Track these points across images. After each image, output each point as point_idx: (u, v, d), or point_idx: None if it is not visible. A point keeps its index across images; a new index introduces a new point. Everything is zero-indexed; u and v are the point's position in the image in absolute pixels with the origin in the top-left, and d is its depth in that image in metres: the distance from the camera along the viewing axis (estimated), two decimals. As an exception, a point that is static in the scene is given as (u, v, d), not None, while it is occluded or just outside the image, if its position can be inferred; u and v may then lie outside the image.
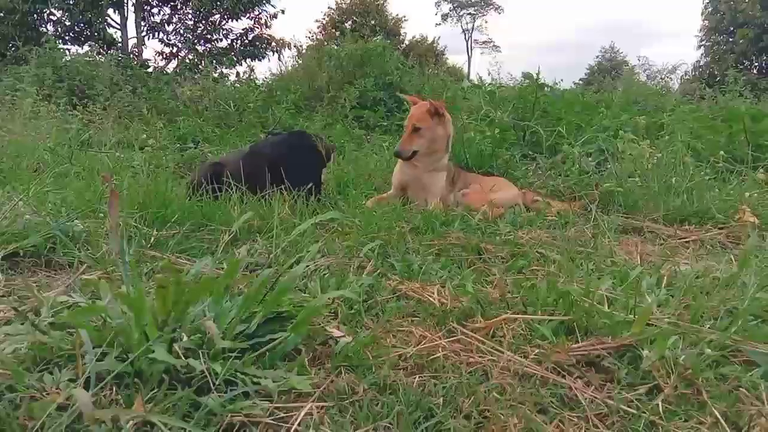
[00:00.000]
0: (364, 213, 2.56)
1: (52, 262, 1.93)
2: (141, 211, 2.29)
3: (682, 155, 3.53)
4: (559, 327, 1.46)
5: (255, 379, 1.15)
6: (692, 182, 3.24)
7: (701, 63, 31.86)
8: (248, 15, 19.18)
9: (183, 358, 1.14)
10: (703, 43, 32.37)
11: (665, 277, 1.91)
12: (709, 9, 32.40)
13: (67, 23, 18.30)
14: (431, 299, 1.67)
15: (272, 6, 19.38)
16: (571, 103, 6.25)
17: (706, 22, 32.42)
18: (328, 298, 1.52)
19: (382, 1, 34.67)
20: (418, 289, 1.75)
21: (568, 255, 2.14)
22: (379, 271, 1.96)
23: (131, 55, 18.37)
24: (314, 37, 33.35)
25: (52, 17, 18.51)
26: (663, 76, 21.07)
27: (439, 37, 36.82)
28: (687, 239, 2.68)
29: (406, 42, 35.22)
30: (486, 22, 56.38)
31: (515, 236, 2.40)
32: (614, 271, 1.99)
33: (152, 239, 2.11)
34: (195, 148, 5.46)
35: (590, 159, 3.97)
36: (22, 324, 1.29)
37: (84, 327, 1.14)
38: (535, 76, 5.82)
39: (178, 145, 5.56)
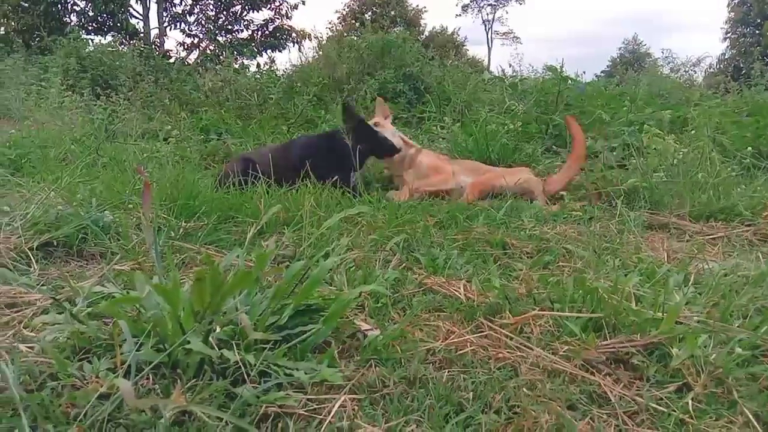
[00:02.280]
0: (388, 207, 2.57)
1: (84, 252, 1.96)
2: (170, 203, 2.32)
3: (708, 151, 3.48)
4: (587, 324, 1.46)
5: (287, 371, 1.17)
6: (719, 178, 3.19)
7: (726, 56, 31.29)
8: (269, 6, 19.24)
9: (217, 349, 1.16)
10: (729, 35, 31.80)
11: (693, 275, 1.90)
12: (736, 1, 31.80)
13: (90, 14, 18.49)
14: (457, 294, 1.68)
15: (293, -4, 19.42)
16: (594, 96, 6.20)
17: (732, 14, 31.81)
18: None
19: (402, -8, 34.55)
20: (443, 284, 1.76)
21: (594, 251, 2.13)
22: (404, 264, 1.98)
23: (153, 46, 18.52)
24: (334, 28, 33.33)
25: (75, 8, 18.74)
26: (687, 69, 20.66)
27: (459, 29, 36.67)
28: (714, 236, 2.65)
29: (426, 33, 35.06)
30: (507, 12, 56.03)
31: (540, 231, 2.39)
32: (641, 267, 1.98)
33: (181, 231, 2.14)
34: (218, 139, 5.50)
35: (614, 153, 3.95)
36: (60, 313, 1.32)
37: (122, 317, 1.16)
38: (558, 68, 5.79)
39: (202, 136, 5.60)
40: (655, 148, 3.72)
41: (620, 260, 2.08)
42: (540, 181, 3.40)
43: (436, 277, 1.84)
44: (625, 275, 1.86)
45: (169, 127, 5.04)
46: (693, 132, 3.75)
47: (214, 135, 5.78)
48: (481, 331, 1.43)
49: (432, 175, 3.45)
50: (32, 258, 1.76)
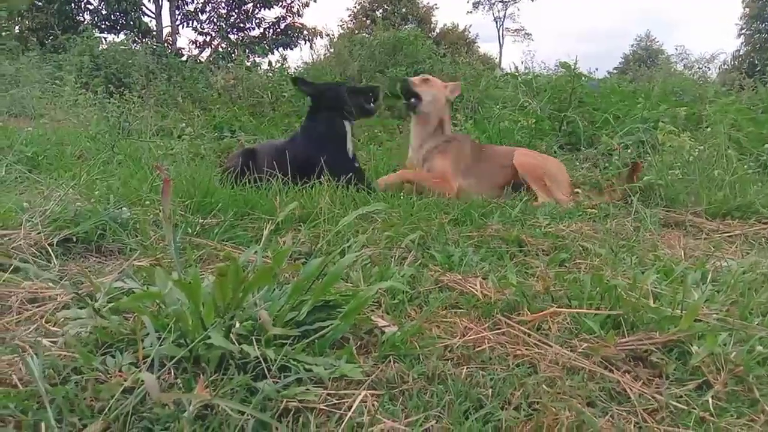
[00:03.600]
0: (402, 204, 2.57)
1: (102, 248, 1.98)
2: (186, 200, 2.33)
3: (724, 148, 3.46)
4: (606, 321, 1.45)
5: (307, 366, 1.18)
6: (735, 176, 3.17)
7: (741, 52, 30.99)
8: (280, 4, 19.28)
9: (237, 344, 1.17)
10: (744, 31, 31.47)
11: (710, 273, 1.89)
12: (752, -5, 31.49)
13: (104, 12, 18.61)
14: (474, 291, 1.67)
15: (304, -7, 19.45)
16: (608, 94, 6.17)
17: (747, 9, 31.49)
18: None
19: (413, -11, 34.46)
20: (460, 281, 1.76)
21: (610, 248, 2.13)
22: (420, 261, 1.98)
23: (165, 44, 18.62)
24: (345, 26, 33.34)
25: (89, 6, 18.87)
26: (701, 66, 20.56)
27: (470, 26, 36.56)
28: (730, 234, 2.64)
29: (437, 30, 34.97)
30: (518, 9, 55.73)
31: (555, 229, 2.39)
32: (658, 265, 1.97)
33: (198, 227, 2.15)
34: (231, 136, 5.53)
35: (629, 151, 3.93)
36: (81, 308, 1.34)
37: (144, 313, 1.18)
38: (571, 66, 5.76)
39: (215, 133, 5.63)
40: (670, 146, 3.70)
41: (637, 258, 2.07)
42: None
43: (452, 274, 1.84)
44: (642, 272, 1.86)
45: (183, 124, 5.06)
46: (709, 129, 3.72)
47: (228, 132, 5.81)
48: (499, 328, 1.43)
49: (434, 178, 3.43)
50: (52, 254, 1.78)
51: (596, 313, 1.44)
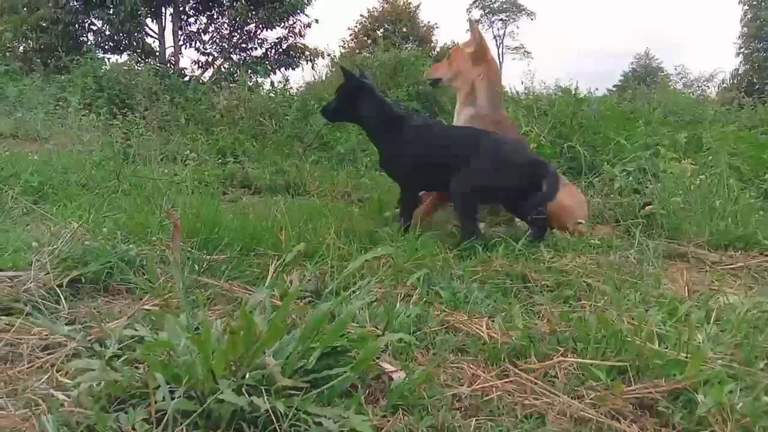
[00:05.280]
0: (407, 241, 2.57)
1: (110, 287, 2.00)
2: (192, 235, 2.35)
3: (725, 177, 3.49)
4: (612, 367, 1.46)
5: (316, 419, 1.18)
6: (736, 205, 3.19)
7: (740, 71, 31.21)
8: (282, 24, 19.46)
9: (247, 395, 1.18)
10: (742, 50, 31.72)
11: (714, 310, 1.90)
12: (749, 16, 31.75)
13: (107, 33, 18.76)
14: (480, 332, 1.69)
15: (306, 15, 19.61)
16: (608, 116, 6.20)
17: (745, 29, 31.77)
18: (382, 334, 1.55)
19: (413, 9, 34.79)
20: (466, 321, 1.78)
21: (614, 284, 2.14)
22: (425, 299, 1.99)
23: (168, 64, 18.77)
24: (347, 45, 33.60)
25: (92, 27, 19.04)
26: (700, 84, 20.73)
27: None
28: (733, 266, 2.65)
29: (437, 49, 35.21)
30: (518, 27, 56.23)
31: (559, 263, 2.40)
32: (662, 302, 1.99)
33: (205, 264, 2.16)
34: (235, 161, 5.57)
35: (630, 178, 3.95)
36: (92, 356, 1.35)
37: (156, 367, 1.19)
38: (572, 91, 5.81)
39: (219, 158, 5.67)
40: (671, 172, 3.73)
41: (641, 294, 2.08)
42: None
43: (458, 313, 1.85)
44: (647, 310, 1.88)
45: (188, 151, 5.10)
46: (710, 158, 3.75)
47: (231, 157, 5.84)
48: (506, 375, 1.44)
49: None
50: (61, 295, 1.79)
51: (602, 364, 1.45)
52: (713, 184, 3.48)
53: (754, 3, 31.09)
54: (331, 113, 3.38)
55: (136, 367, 1.34)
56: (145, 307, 1.72)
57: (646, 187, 3.77)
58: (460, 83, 3.57)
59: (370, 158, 5.47)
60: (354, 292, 1.71)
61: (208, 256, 2.23)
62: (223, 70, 19.31)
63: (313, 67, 19.11)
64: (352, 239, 2.54)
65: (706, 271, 2.62)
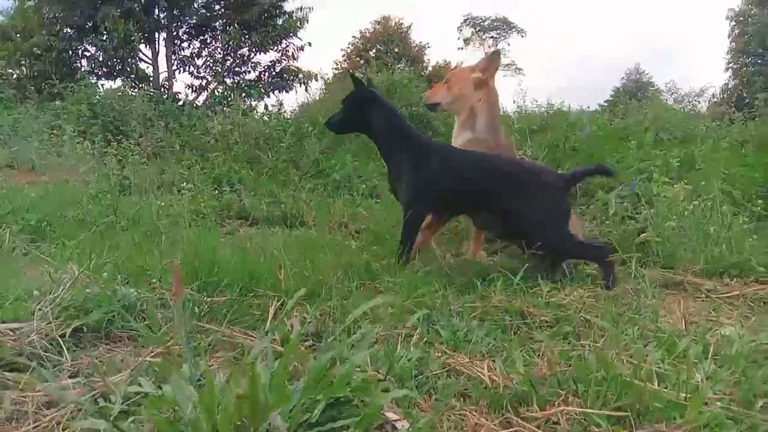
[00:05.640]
0: (405, 281, 2.58)
1: (111, 334, 2.00)
2: (192, 279, 2.36)
3: (718, 202, 3.52)
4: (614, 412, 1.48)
5: (322, 476, 1.20)
6: (730, 231, 3.23)
7: (729, 86, 31.60)
8: (275, 48, 19.63)
9: (253, 453, 1.19)
10: (731, 65, 32.13)
11: (712, 344, 1.92)
12: (736, 31, 32.20)
13: (101, 59, 18.88)
14: (482, 375, 1.70)
15: (299, 39, 19.81)
16: (600, 137, 6.27)
17: (734, 44, 32.19)
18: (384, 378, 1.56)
19: (405, 30, 35.09)
20: (467, 364, 1.79)
21: (612, 319, 2.16)
22: (426, 339, 2.01)
23: (162, 89, 18.87)
24: (339, 66, 33.82)
25: (86, 53, 19.16)
26: (691, 100, 20.99)
27: (462, 62, 36.98)
28: (729, 294, 2.67)
29: (430, 68, 35.47)
30: (509, 45, 56.77)
31: (557, 297, 2.42)
32: (660, 337, 2.01)
33: (205, 307, 2.18)
34: (231, 190, 5.58)
35: (624, 204, 3.99)
36: (97, 417, 1.36)
37: (163, 426, 1.20)
38: (565, 110, 5.87)
39: (215, 188, 5.69)
40: (665, 196, 3.77)
41: (639, 329, 2.10)
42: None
43: (459, 355, 1.86)
44: (645, 346, 1.90)
45: (185, 183, 5.11)
46: (702, 183, 3.79)
47: (227, 186, 5.86)
48: (509, 423, 1.45)
49: None
50: (63, 346, 1.80)
51: (603, 413, 1.46)
52: (706, 209, 3.52)
53: (741, 19, 31.56)
54: (338, 125, 3.33)
55: (142, 425, 1.35)
56: (148, 358, 1.73)
57: (639, 213, 3.80)
58: (459, 107, 3.61)
59: (366, 185, 5.51)
60: (355, 336, 1.73)
61: (209, 298, 2.24)
62: (216, 93, 19.42)
63: (306, 90, 19.29)
64: (351, 275, 2.56)
65: (703, 299, 2.65)
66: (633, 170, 4.41)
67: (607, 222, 3.62)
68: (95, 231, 3.52)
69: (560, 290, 2.56)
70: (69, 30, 18.27)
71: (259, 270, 2.51)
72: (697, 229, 3.29)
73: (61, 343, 1.81)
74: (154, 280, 2.39)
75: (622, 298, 2.53)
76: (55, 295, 2.01)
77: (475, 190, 2.98)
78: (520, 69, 56.92)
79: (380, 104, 3.16)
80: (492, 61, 3.64)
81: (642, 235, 3.26)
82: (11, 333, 1.78)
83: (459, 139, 3.56)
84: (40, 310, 1.95)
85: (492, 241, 3.71)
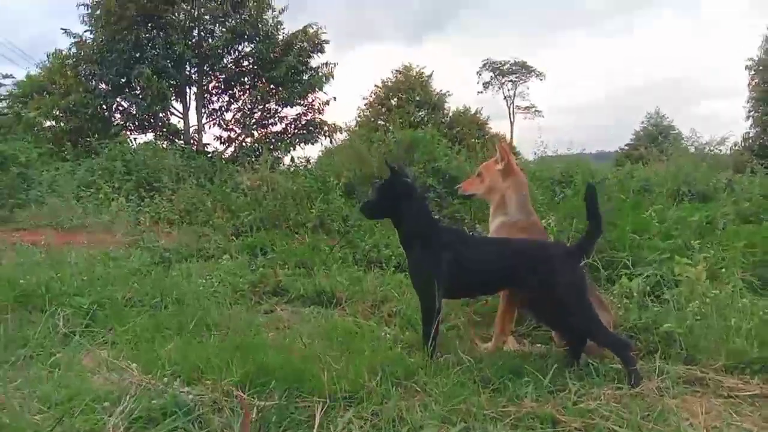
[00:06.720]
0: (440, 379, 2.74)
1: (173, 440, 2.20)
2: (244, 380, 2.56)
3: (739, 288, 3.64)
4: None
5: None
6: (751, 323, 3.31)
7: (751, 134, 31.63)
8: (302, 102, 20.22)
9: None
10: (752, 113, 32.21)
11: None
12: (756, 80, 32.38)
13: (134, 113, 19.58)
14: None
15: (324, 93, 20.40)
16: (621, 201, 6.40)
17: (754, 93, 32.33)
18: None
19: (426, 78, 35.80)
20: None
21: (636, 428, 2.29)
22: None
23: (192, 141, 19.46)
24: (361, 114, 34.48)
25: (119, 107, 19.90)
26: (712, 148, 21.07)
27: (481, 108, 37.53)
28: (750, 393, 2.77)
29: (450, 115, 36.00)
30: (528, 88, 57.49)
31: (585, 402, 2.55)
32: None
33: (256, 412, 2.36)
34: (265, 258, 5.80)
35: (645, 283, 4.11)
36: None
37: None
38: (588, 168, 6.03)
39: (249, 256, 5.93)
40: (687, 276, 3.89)
41: (663, 439, 2.23)
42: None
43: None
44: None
45: (224, 256, 5.35)
46: (723, 270, 3.91)
47: (260, 254, 6.10)
48: None
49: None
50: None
51: None
52: (727, 296, 3.63)
53: (761, 68, 31.76)
54: (371, 211, 3.52)
55: None
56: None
57: (663, 293, 3.93)
58: (491, 196, 3.92)
59: (394, 255, 5.69)
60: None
61: (260, 403, 2.43)
62: (244, 145, 19.98)
63: (331, 141, 19.73)
64: (387, 375, 2.72)
65: (725, 397, 2.75)
66: (655, 255, 4.52)
67: (629, 310, 3.74)
68: (144, 313, 3.76)
69: (587, 391, 2.69)
70: (104, 87, 19.06)
71: (304, 371, 2.69)
72: (718, 316, 3.40)
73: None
74: (208, 381, 2.59)
75: (647, 397, 2.65)
76: (124, 405, 2.22)
77: (491, 271, 3.21)
78: (539, 111, 57.50)
79: (414, 196, 3.33)
80: (501, 148, 3.96)
81: (665, 326, 3.37)
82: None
83: (494, 224, 3.85)
84: (110, 418, 2.16)
85: (521, 322, 3.87)
